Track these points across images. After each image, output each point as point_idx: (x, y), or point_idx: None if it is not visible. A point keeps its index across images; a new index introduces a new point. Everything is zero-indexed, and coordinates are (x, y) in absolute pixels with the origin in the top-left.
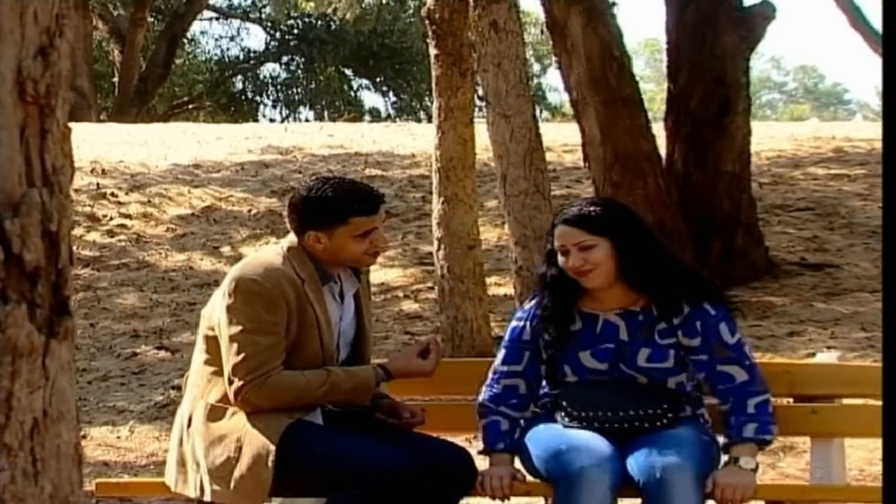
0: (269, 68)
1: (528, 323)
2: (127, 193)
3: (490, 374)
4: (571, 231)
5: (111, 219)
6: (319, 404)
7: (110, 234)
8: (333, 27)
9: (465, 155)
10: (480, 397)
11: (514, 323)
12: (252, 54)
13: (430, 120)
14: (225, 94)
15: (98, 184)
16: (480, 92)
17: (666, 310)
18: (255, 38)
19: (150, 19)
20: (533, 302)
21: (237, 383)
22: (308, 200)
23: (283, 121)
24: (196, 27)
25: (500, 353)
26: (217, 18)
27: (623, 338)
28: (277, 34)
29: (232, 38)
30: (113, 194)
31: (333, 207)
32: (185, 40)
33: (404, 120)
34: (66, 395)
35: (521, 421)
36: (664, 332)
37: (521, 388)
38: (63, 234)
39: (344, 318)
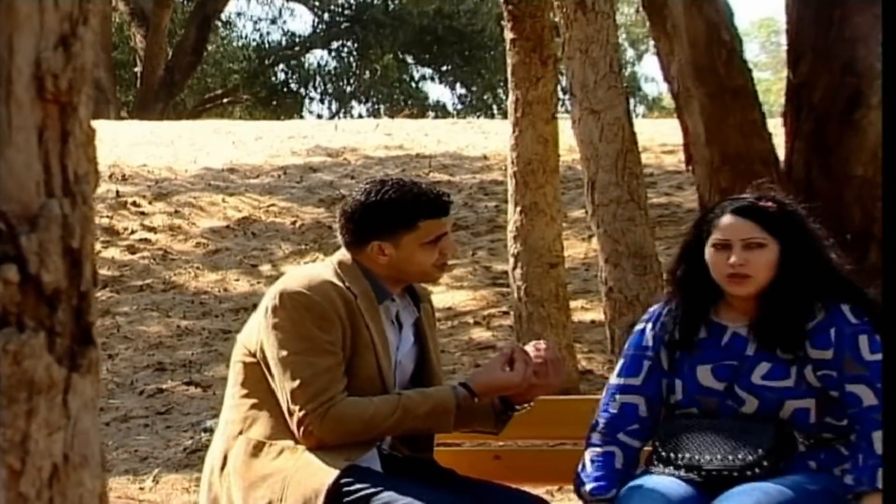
0: (317, 56)
1: (650, 326)
2: (151, 203)
3: (604, 394)
4: (743, 224)
5: (132, 232)
6: (393, 434)
7: (131, 250)
8: (392, 7)
9: (546, 157)
10: (594, 420)
11: (637, 327)
12: (297, 39)
13: (504, 116)
14: (265, 87)
15: (117, 191)
16: (564, 83)
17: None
18: (301, 20)
19: None
20: (657, 306)
21: (298, 414)
22: (367, 206)
23: (332, 117)
24: (231, 7)
25: (618, 364)
26: None
27: (749, 353)
28: (326, 16)
29: (273, 21)
30: (135, 203)
31: (399, 211)
32: (219, 23)
33: (474, 116)
34: (90, 438)
35: (637, 456)
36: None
37: (640, 408)
38: (86, 252)
39: (401, 348)
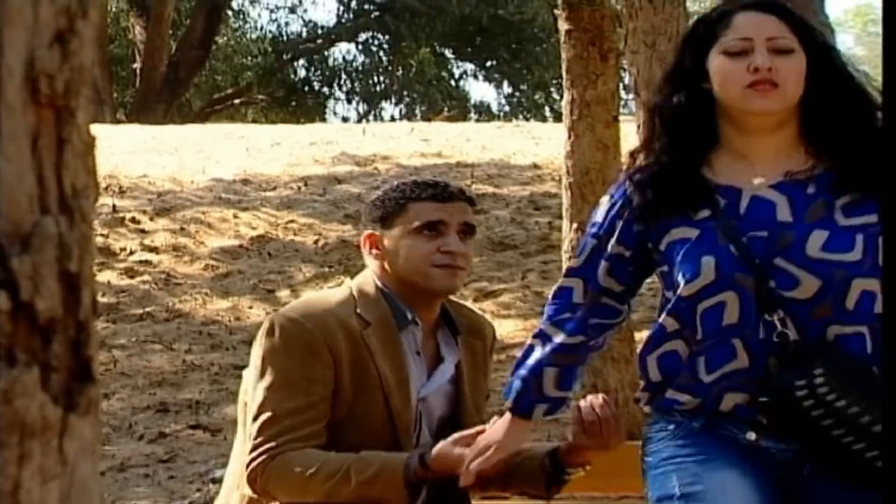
0: (342, 49)
1: (624, 192)
2: (152, 219)
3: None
4: (766, 20)
5: (131, 253)
6: (338, 500)
7: (129, 273)
8: None
9: (605, 165)
10: None
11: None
12: (319, 31)
13: (558, 119)
14: (283, 85)
15: (114, 206)
16: (627, 80)
17: (855, 176)
18: (324, 8)
19: None
20: (619, 184)
21: (249, 455)
22: (370, 201)
23: (360, 120)
24: None
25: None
26: None
27: (784, 218)
28: (353, 3)
29: (293, 10)
30: (134, 220)
31: (390, 197)
32: (230, 12)
33: (524, 118)
34: (89, 487)
35: (573, 356)
36: (851, 208)
37: (575, 291)
38: (85, 276)
39: (428, 385)
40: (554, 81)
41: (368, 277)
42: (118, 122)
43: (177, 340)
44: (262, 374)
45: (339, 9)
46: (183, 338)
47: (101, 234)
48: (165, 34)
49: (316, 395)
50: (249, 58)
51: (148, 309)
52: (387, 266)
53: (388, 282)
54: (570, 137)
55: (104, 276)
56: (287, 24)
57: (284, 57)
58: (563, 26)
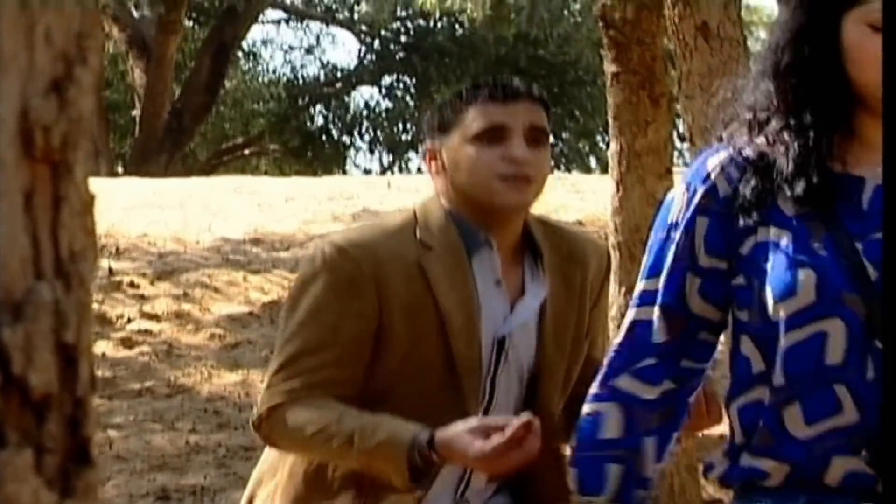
0: (365, 94)
1: (689, 192)
2: (153, 283)
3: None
4: None
5: (129, 321)
6: (338, 463)
7: (127, 343)
8: (460, 32)
9: None
10: None
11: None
12: (339, 74)
13: (604, 170)
14: (299, 133)
15: (110, 268)
16: (682, 128)
17: None
18: (344, 49)
19: (189, 22)
20: (703, 160)
21: (258, 405)
22: (429, 109)
23: (384, 172)
24: (256, 33)
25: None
26: (287, 20)
27: None
28: (377, 43)
29: (309, 50)
30: (132, 284)
31: (447, 101)
32: (240, 53)
33: (566, 169)
34: None
35: (668, 415)
36: None
37: (656, 325)
38: (83, 348)
39: (510, 321)
40: (600, 129)
41: (434, 197)
42: (115, 174)
43: (179, 419)
44: (293, 306)
45: (360, 49)
46: (186, 416)
47: (96, 300)
48: (168, 78)
49: (346, 335)
50: (261, 103)
51: (147, 384)
52: (450, 182)
53: (453, 200)
54: (617, 191)
55: (99, 347)
56: (303, 66)
57: (300, 102)
58: (609, 68)
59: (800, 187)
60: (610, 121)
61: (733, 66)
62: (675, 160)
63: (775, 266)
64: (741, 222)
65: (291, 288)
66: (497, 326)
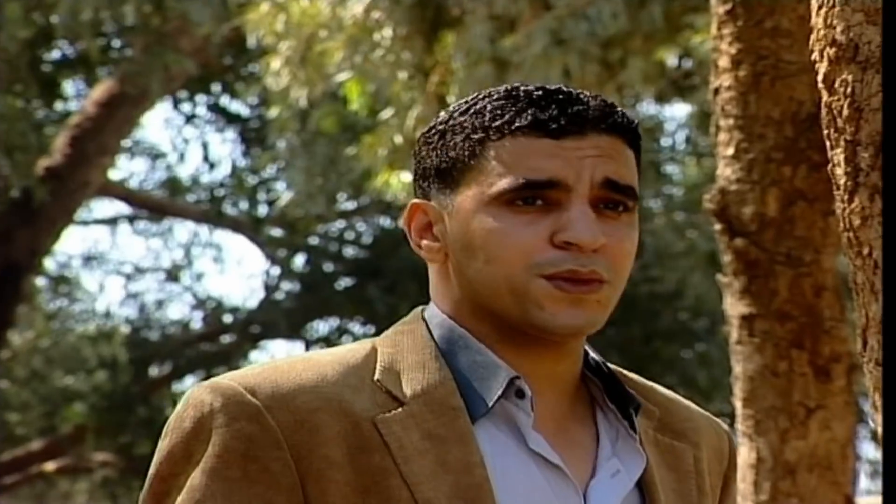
0: (277, 351)
1: None
2: None
3: None
4: None
5: None
6: None
7: None
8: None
9: None
10: None
11: None
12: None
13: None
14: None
15: None
16: (871, 423)
17: None
18: (245, 274)
19: None
20: None
21: None
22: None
23: None
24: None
25: None
26: (132, 218)
27: None
28: (307, 260)
29: (172, 275)
30: None
31: (456, 125)
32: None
33: None
34: None
35: None
36: None
37: None
38: None
39: None
40: (724, 412)
41: (428, 308)
42: None
43: None
44: (157, 498)
45: (266, 277)
46: None
47: None
48: None
49: None
50: (82, 375)
51: None
52: (451, 271)
53: (453, 305)
54: None
55: None
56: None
57: (151, 372)
58: (735, 308)
59: None
60: (737, 406)
61: None
62: (865, 478)
63: None
64: None
65: (152, 464)
66: None
